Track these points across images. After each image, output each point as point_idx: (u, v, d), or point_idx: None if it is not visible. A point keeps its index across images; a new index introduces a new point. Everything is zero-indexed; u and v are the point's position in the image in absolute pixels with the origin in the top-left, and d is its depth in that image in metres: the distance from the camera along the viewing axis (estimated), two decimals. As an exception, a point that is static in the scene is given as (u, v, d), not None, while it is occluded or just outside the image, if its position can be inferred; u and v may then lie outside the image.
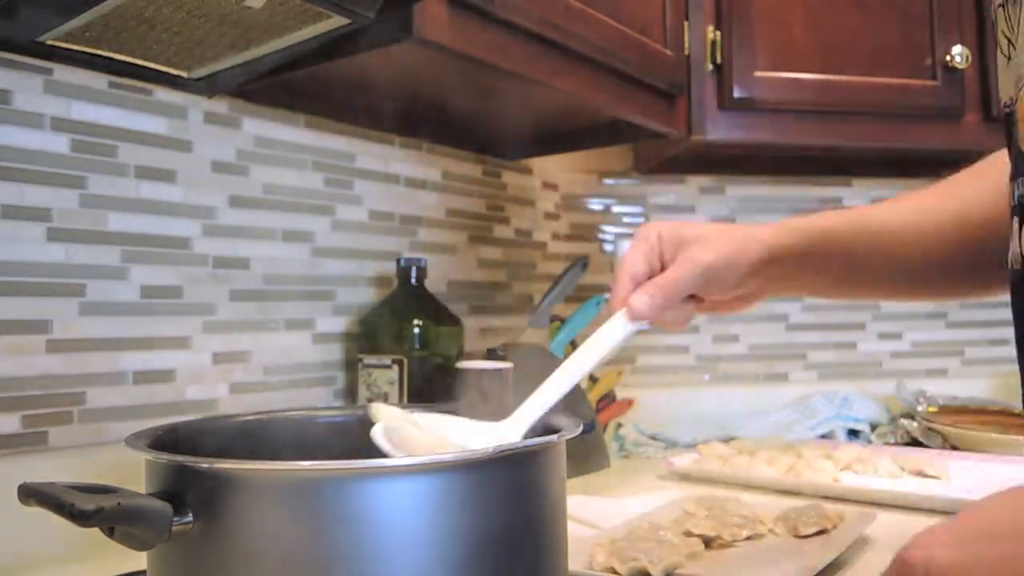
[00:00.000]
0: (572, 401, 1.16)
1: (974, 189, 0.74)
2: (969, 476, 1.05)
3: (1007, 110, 0.60)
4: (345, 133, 1.17)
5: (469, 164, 1.40)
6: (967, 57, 1.33)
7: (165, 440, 0.52)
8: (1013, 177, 0.61)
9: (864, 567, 0.74)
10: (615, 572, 0.69)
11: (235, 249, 1.02)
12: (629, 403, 1.40)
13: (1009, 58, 0.59)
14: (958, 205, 0.74)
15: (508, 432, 0.57)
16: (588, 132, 1.33)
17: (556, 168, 1.61)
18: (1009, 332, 0.62)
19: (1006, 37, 0.59)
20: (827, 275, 0.73)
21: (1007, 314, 0.63)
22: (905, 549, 0.44)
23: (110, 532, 0.44)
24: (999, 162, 0.73)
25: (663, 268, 0.66)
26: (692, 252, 0.65)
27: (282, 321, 1.07)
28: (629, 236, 1.66)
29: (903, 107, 1.35)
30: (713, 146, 1.39)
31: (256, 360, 1.04)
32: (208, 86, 0.95)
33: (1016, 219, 0.60)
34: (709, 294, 0.67)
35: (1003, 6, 0.59)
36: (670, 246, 0.66)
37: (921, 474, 1.06)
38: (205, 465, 0.45)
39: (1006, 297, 0.70)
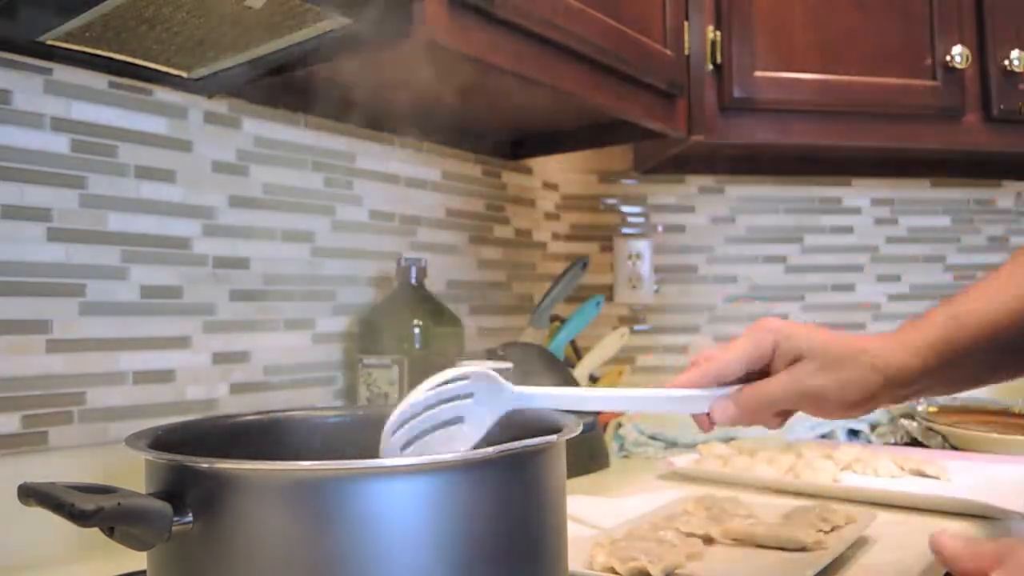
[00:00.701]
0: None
1: None
2: (969, 476, 1.05)
3: None
4: (345, 133, 1.17)
5: (469, 164, 1.40)
6: (967, 57, 1.33)
7: (165, 440, 0.52)
8: None
9: (864, 567, 0.74)
10: (615, 572, 0.69)
11: (235, 249, 1.02)
12: (629, 403, 1.40)
13: None
14: None
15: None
16: (588, 132, 1.33)
17: (556, 168, 1.61)
18: (1009, 332, 0.62)
19: None
20: (954, 386, 0.67)
21: (1007, 314, 0.62)
22: None
23: (110, 532, 0.44)
24: None
25: (766, 366, 0.61)
26: (803, 370, 0.59)
27: (282, 321, 1.07)
28: (630, 236, 1.66)
29: (903, 107, 1.35)
30: (713, 146, 1.40)
31: (256, 360, 1.04)
32: (208, 86, 0.95)
33: None
34: (811, 413, 0.62)
35: None
36: (783, 350, 0.61)
37: (921, 474, 1.06)
38: (205, 465, 0.45)
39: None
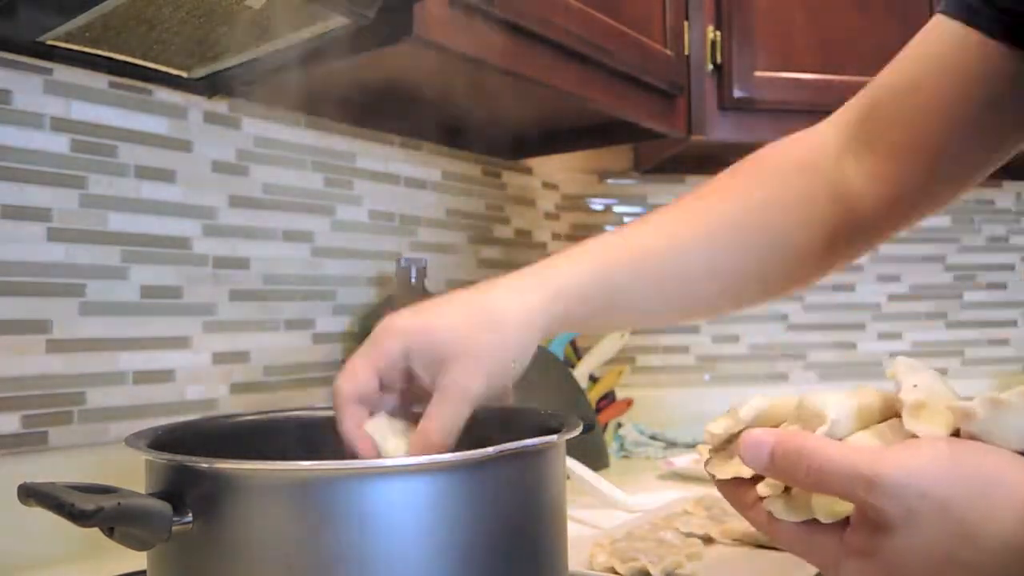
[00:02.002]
0: (572, 401, 1.16)
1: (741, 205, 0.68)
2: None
3: None
4: (345, 133, 1.17)
5: (469, 164, 1.40)
6: (967, 57, 1.33)
7: (165, 440, 0.52)
8: None
9: (864, 567, 0.73)
10: (615, 572, 0.69)
11: (235, 249, 1.02)
12: (629, 403, 1.40)
13: None
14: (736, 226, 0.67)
15: None
16: (588, 132, 1.33)
17: (556, 168, 1.61)
18: (1009, 332, 0.62)
19: None
20: (618, 321, 0.67)
21: (1007, 314, 0.63)
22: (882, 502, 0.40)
23: (110, 532, 0.44)
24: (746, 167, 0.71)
25: (410, 390, 0.56)
26: (456, 375, 0.53)
27: (282, 321, 1.07)
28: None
29: (903, 107, 1.34)
30: (713, 146, 1.39)
31: (256, 360, 1.04)
32: (208, 86, 0.95)
33: None
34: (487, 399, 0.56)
35: None
36: (422, 364, 0.54)
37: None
38: (205, 465, 0.45)
39: (1007, 296, 0.70)
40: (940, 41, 0.65)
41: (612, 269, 0.62)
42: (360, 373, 0.54)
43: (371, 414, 0.55)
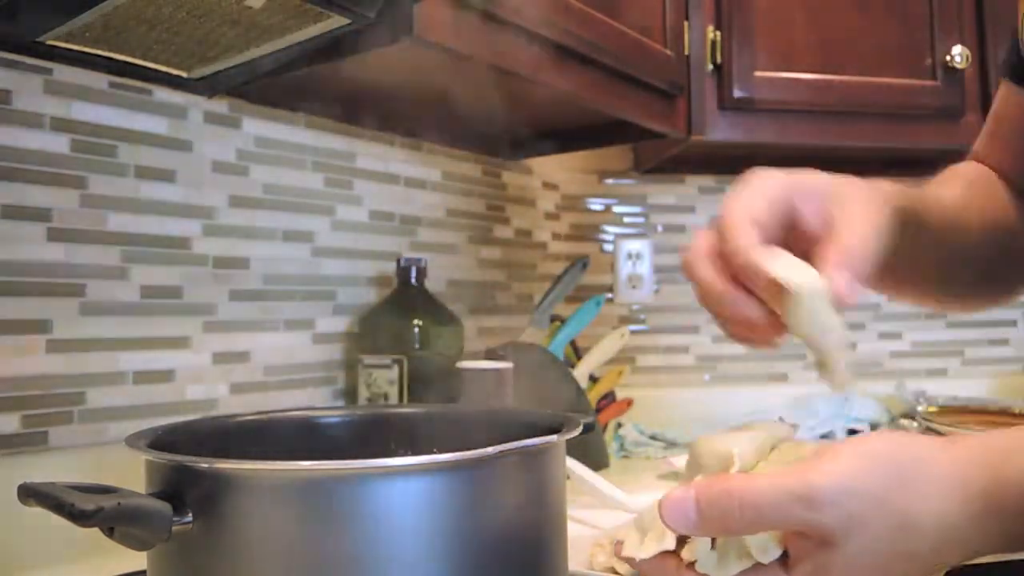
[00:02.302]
0: (572, 401, 1.16)
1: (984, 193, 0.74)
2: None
3: None
4: (345, 133, 1.17)
5: (469, 164, 1.40)
6: (967, 57, 1.33)
7: (165, 440, 0.52)
8: None
9: (864, 567, 0.73)
10: (615, 572, 0.69)
11: (235, 249, 1.02)
12: (629, 403, 1.40)
13: None
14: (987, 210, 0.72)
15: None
16: (588, 132, 1.33)
17: (556, 168, 1.61)
18: (1009, 332, 0.63)
19: None
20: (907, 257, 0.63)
21: (1007, 314, 0.63)
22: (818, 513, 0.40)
23: (110, 532, 0.44)
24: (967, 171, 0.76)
25: (798, 232, 0.52)
26: (856, 209, 0.50)
27: (282, 321, 1.07)
28: (630, 236, 1.66)
29: (903, 107, 1.35)
30: (713, 146, 1.39)
31: (256, 360, 1.04)
32: (208, 86, 0.95)
33: None
34: None
35: None
36: (809, 203, 0.51)
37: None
38: (205, 465, 0.45)
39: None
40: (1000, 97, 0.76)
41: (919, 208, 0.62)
42: (749, 199, 0.50)
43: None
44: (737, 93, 1.29)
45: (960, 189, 0.72)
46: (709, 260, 0.50)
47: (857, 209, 0.50)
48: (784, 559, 0.42)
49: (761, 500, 0.40)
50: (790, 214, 0.52)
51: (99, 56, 0.83)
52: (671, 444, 1.36)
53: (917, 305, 0.79)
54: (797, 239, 0.51)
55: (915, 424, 1.36)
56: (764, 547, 0.42)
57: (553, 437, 0.50)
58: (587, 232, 1.66)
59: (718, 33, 1.29)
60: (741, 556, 0.42)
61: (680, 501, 0.41)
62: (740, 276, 0.49)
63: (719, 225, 0.50)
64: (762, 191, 0.51)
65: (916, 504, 0.41)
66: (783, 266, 0.47)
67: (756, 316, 0.49)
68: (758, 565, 0.42)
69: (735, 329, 0.52)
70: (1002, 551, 0.43)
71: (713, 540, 0.43)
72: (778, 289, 0.46)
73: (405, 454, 0.62)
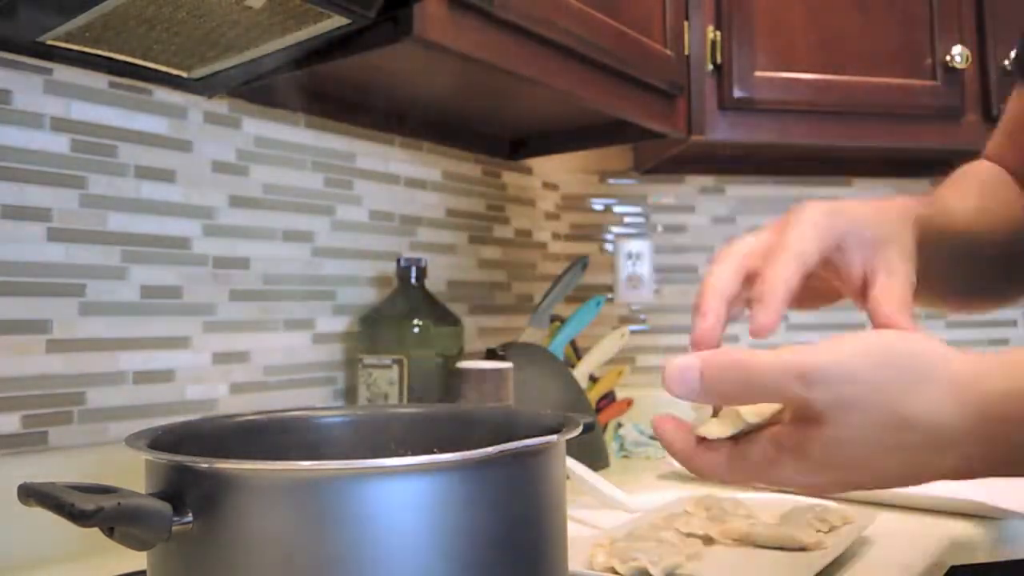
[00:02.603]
0: (572, 401, 1.16)
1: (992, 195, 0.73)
2: (969, 476, 1.05)
3: None
4: (345, 133, 1.17)
5: (469, 164, 1.40)
6: (967, 57, 1.33)
7: (165, 440, 0.52)
8: None
9: (864, 567, 0.74)
10: (615, 572, 0.69)
11: (235, 249, 1.02)
12: (629, 403, 1.40)
13: None
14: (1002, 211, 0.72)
15: None
16: (588, 132, 1.33)
17: (556, 168, 1.61)
18: (1009, 332, 0.63)
19: None
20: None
21: (1007, 314, 0.63)
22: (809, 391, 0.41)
23: (110, 532, 0.44)
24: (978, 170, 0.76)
25: (836, 270, 0.54)
26: (891, 256, 0.53)
27: (282, 321, 1.07)
28: (630, 236, 1.66)
29: (903, 107, 1.35)
30: (713, 146, 1.39)
31: (256, 360, 1.04)
32: (208, 86, 0.95)
33: None
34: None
35: None
36: (858, 247, 0.53)
37: (921, 474, 1.06)
38: (205, 465, 0.45)
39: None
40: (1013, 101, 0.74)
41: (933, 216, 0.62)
42: (803, 241, 0.51)
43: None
44: (737, 93, 1.29)
45: (975, 192, 0.72)
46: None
47: (896, 260, 0.53)
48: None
49: (760, 371, 0.41)
50: (835, 255, 0.54)
51: (99, 56, 0.83)
52: (671, 444, 1.36)
53: (925, 308, 0.80)
54: (831, 272, 0.55)
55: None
56: (756, 410, 0.44)
57: (553, 437, 0.50)
58: (587, 232, 1.66)
59: (718, 33, 1.29)
60: (735, 420, 0.44)
61: (685, 368, 0.43)
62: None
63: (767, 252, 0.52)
64: (818, 234, 0.52)
65: (910, 398, 0.40)
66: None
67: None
68: (748, 433, 0.44)
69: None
70: (1005, 468, 0.42)
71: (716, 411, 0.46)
72: None
73: (405, 454, 0.62)
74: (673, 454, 0.47)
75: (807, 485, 0.44)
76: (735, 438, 0.45)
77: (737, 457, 0.44)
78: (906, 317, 0.51)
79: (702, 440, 0.46)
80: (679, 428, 0.47)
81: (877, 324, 0.51)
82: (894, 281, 0.52)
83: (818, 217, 0.52)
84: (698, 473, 0.46)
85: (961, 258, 0.66)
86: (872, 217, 0.54)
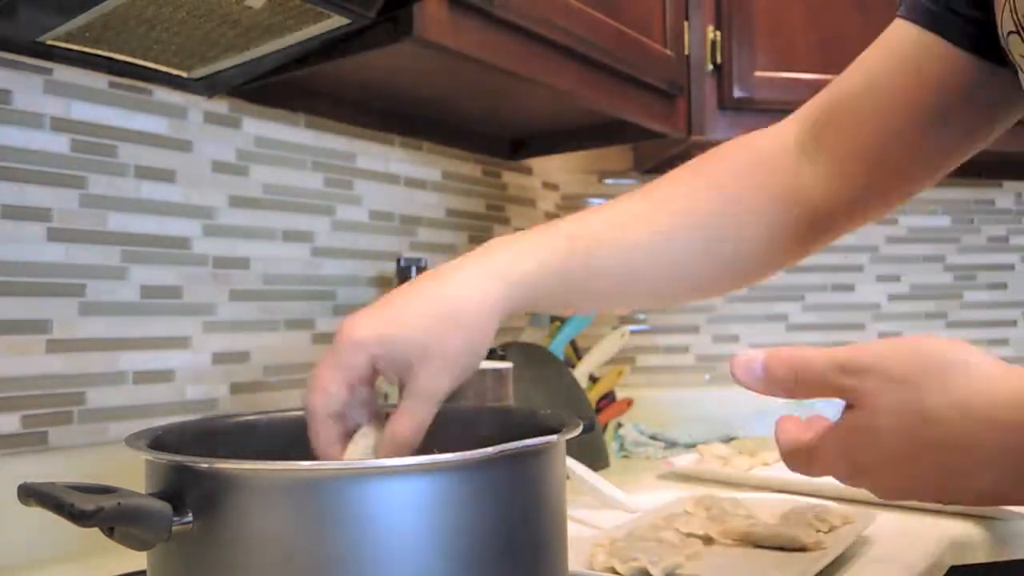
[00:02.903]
0: (572, 401, 1.16)
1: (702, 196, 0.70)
2: (969, 476, 1.05)
3: None
4: (345, 133, 1.17)
5: (469, 164, 1.40)
6: (967, 57, 1.33)
7: (165, 440, 0.52)
8: None
9: (863, 567, 0.73)
10: (615, 572, 0.69)
11: (235, 249, 1.02)
12: (629, 403, 1.40)
13: None
14: (698, 223, 0.68)
15: None
16: (588, 132, 1.33)
17: (556, 168, 1.61)
18: (1009, 332, 0.63)
19: None
20: (574, 303, 0.69)
21: (1007, 314, 0.63)
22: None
23: (110, 532, 0.44)
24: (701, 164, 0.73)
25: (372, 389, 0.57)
26: (423, 378, 0.53)
27: (282, 321, 1.07)
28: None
29: (903, 107, 1.34)
30: (713, 146, 1.39)
31: (256, 360, 1.04)
32: (208, 86, 0.95)
33: None
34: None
35: (1016, 32, 0.58)
36: (390, 369, 0.55)
37: (921, 474, 1.06)
38: (205, 465, 0.45)
39: (1007, 296, 0.70)
40: (899, 44, 0.66)
41: (569, 260, 0.61)
42: (331, 387, 0.55)
43: (345, 424, 0.55)
44: (737, 93, 1.29)
45: (684, 191, 0.70)
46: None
47: (430, 382, 0.54)
48: None
49: (810, 363, 0.46)
50: (373, 376, 0.56)
51: (99, 56, 0.83)
52: (671, 444, 1.36)
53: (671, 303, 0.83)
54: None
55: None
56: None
57: (553, 437, 0.50)
58: (587, 232, 1.66)
59: (718, 33, 1.29)
60: None
61: (751, 360, 0.48)
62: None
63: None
64: (345, 369, 0.55)
65: (935, 390, 0.42)
66: (355, 449, 0.55)
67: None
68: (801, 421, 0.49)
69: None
70: None
71: None
72: None
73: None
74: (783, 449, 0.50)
75: (852, 476, 0.46)
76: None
77: (804, 449, 0.48)
78: (411, 438, 0.53)
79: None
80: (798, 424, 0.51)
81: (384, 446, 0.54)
82: (408, 409, 0.54)
83: (348, 356, 0.56)
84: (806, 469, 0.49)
85: (641, 260, 0.66)
86: (416, 334, 0.54)
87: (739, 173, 0.71)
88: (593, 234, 0.64)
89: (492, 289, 0.57)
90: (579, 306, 0.71)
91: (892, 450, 0.43)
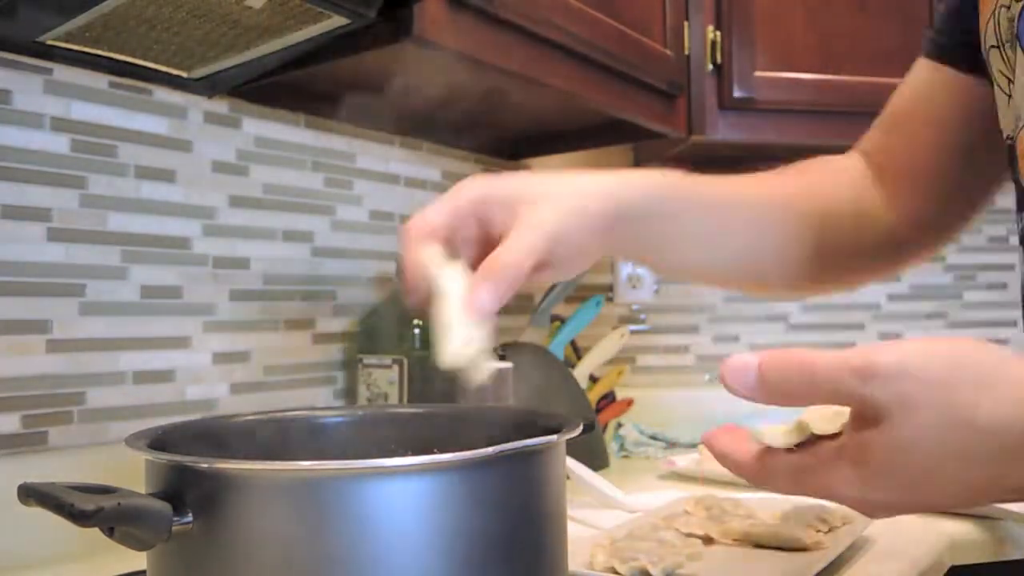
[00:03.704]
0: (572, 401, 1.16)
1: (821, 182, 0.74)
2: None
3: (1008, 142, 0.60)
4: (345, 133, 1.17)
5: (469, 164, 1.40)
6: (967, 57, 1.33)
7: (165, 440, 0.52)
8: (1019, 209, 0.61)
9: (863, 567, 0.73)
10: (615, 572, 0.69)
11: (235, 249, 1.02)
12: (629, 403, 1.40)
13: (1010, 96, 0.59)
14: (813, 198, 0.72)
15: None
16: (588, 132, 1.34)
17: (556, 168, 1.61)
18: (1009, 332, 0.63)
19: (1005, 76, 0.59)
20: (669, 242, 0.66)
21: (1007, 314, 0.63)
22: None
23: (110, 532, 0.44)
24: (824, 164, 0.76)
25: (489, 236, 0.53)
26: (533, 211, 0.52)
27: (282, 321, 1.07)
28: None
29: (903, 107, 1.34)
30: (713, 146, 1.39)
31: (256, 360, 1.04)
32: (208, 86, 0.95)
33: (1023, 250, 0.60)
34: (557, 261, 0.54)
35: (997, 47, 0.58)
36: (499, 206, 0.52)
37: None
38: (205, 465, 0.45)
39: (1007, 296, 0.71)
40: (918, 78, 0.73)
41: (674, 191, 0.64)
42: (433, 212, 0.52)
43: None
44: (737, 93, 1.29)
45: (778, 176, 0.74)
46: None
47: (537, 215, 0.52)
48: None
49: (819, 369, 0.39)
50: (481, 222, 0.53)
51: (99, 56, 0.83)
52: (671, 444, 1.36)
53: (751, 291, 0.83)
54: (493, 244, 0.52)
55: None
56: (821, 426, 0.42)
57: (553, 437, 0.50)
58: (587, 232, 1.66)
59: (718, 33, 1.29)
60: (800, 431, 0.42)
61: (744, 365, 0.41)
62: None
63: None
64: (452, 203, 0.53)
65: (985, 403, 0.37)
66: (441, 275, 0.51)
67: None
68: (811, 438, 0.42)
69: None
70: None
71: None
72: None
73: (405, 454, 0.62)
74: (728, 463, 0.45)
75: (864, 500, 0.41)
76: (799, 447, 0.42)
77: (795, 465, 0.42)
78: (492, 286, 0.49)
79: (763, 449, 0.44)
80: (735, 435, 0.45)
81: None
82: (505, 246, 0.50)
83: (461, 190, 0.53)
84: (754, 481, 0.44)
85: (731, 233, 0.69)
86: (533, 181, 0.55)
87: (836, 182, 0.74)
88: (695, 185, 0.67)
89: (603, 177, 0.59)
90: (660, 254, 0.66)
91: (921, 463, 0.38)
